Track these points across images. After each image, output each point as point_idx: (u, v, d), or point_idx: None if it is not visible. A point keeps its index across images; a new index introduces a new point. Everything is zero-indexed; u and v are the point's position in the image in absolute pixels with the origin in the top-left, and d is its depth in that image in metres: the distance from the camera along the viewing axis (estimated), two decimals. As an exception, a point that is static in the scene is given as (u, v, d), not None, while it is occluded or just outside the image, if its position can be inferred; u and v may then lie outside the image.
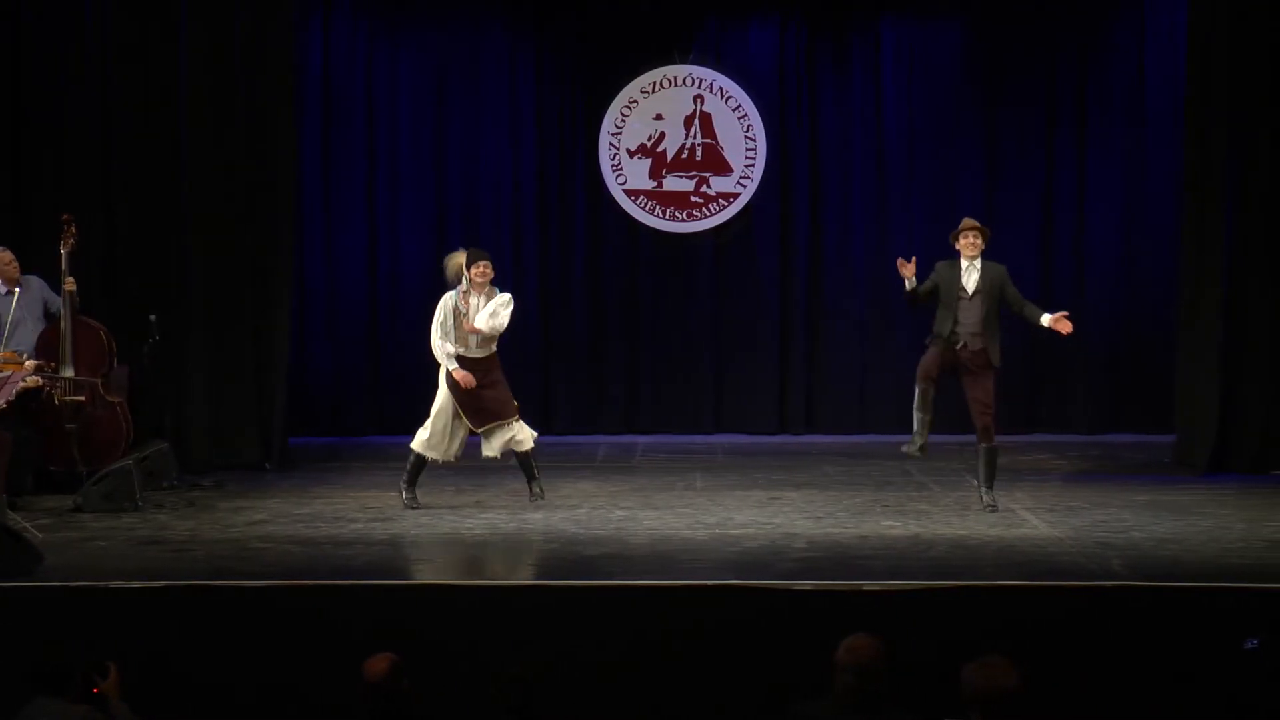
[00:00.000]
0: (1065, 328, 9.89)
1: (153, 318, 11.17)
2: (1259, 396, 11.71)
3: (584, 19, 14.10)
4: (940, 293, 9.85)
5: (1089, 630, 7.34)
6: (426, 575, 8.41)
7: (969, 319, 9.77)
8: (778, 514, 9.86)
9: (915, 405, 9.92)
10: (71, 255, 10.71)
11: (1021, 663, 5.12)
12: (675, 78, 14.15)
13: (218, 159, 11.94)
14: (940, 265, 9.95)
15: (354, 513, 9.90)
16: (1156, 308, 13.72)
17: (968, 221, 9.99)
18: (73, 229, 10.74)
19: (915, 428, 9.93)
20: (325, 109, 13.95)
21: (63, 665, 5.53)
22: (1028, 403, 14.00)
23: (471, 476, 11.05)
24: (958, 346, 9.76)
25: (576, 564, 8.36)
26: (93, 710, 5.46)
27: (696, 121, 14.15)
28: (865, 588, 7.55)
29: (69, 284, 10.68)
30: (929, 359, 9.86)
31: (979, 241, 9.84)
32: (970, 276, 9.81)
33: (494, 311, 9.95)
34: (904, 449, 10.01)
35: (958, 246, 9.88)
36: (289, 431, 12.38)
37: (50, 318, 10.89)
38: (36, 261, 11.03)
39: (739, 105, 14.11)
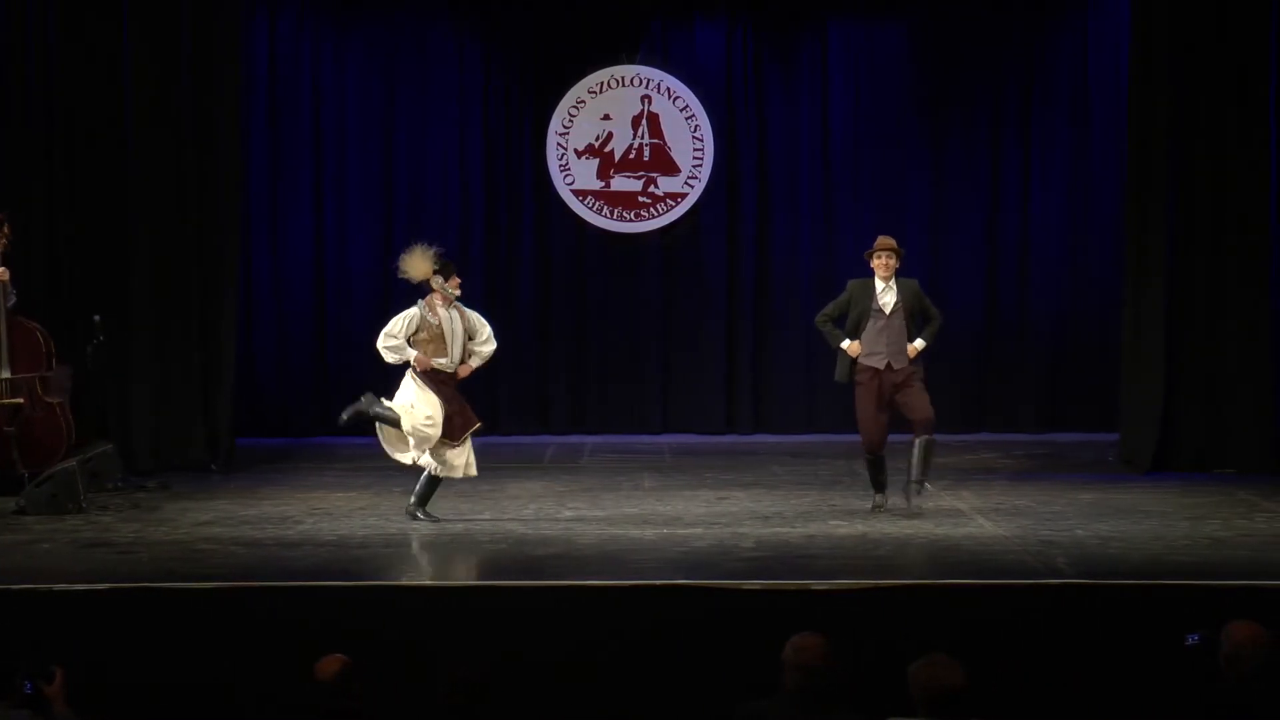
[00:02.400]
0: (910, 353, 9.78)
1: (97, 318, 11.07)
2: (1201, 397, 11.81)
3: (531, 19, 14.08)
4: (852, 311, 9.79)
5: (1035, 628, 7.39)
6: (374, 576, 8.38)
7: (891, 336, 9.72)
8: (726, 514, 9.87)
9: (870, 473, 9.83)
10: (4, 253, 10.61)
11: (968, 661, 5.15)
12: (623, 78, 14.16)
13: (162, 157, 11.87)
14: (853, 284, 9.88)
15: (301, 514, 9.86)
16: (1101, 307, 13.82)
17: (883, 241, 9.84)
18: (5, 228, 10.63)
19: (876, 490, 9.83)
20: (271, 107, 13.89)
21: (3, 668, 5.47)
22: (973, 401, 14.09)
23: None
24: (882, 369, 9.71)
25: (524, 564, 8.35)
26: (34, 715, 5.41)
27: (644, 122, 14.17)
28: (813, 587, 7.57)
29: (1, 273, 10.56)
30: (868, 418, 9.69)
31: (893, 263, 9.73)
32: (886, 296, 9.75)
33: (487, 339, 9.68)
34: (872, 508, 9.77)
35: (872, 265, 9.80)
36: (235, 432, 12.30)
37: None
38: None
39: (686, 105, 14.13)
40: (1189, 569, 8.11)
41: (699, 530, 9.27)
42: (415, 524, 9.42)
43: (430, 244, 9.65)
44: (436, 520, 9.47)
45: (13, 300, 10.72)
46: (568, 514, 9.90)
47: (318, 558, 8.52)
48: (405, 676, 6.78)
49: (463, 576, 8.42)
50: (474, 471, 9.67)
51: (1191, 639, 6.17)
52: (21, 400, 10.62)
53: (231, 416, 12.13)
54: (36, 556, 8.61)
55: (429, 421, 9.45)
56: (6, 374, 10.59)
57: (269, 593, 7.65)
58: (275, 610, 7.47)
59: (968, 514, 9.80)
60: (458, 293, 9.61)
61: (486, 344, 9.73)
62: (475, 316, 9.71)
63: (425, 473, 9.54)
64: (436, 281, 9.53)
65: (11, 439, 10.55)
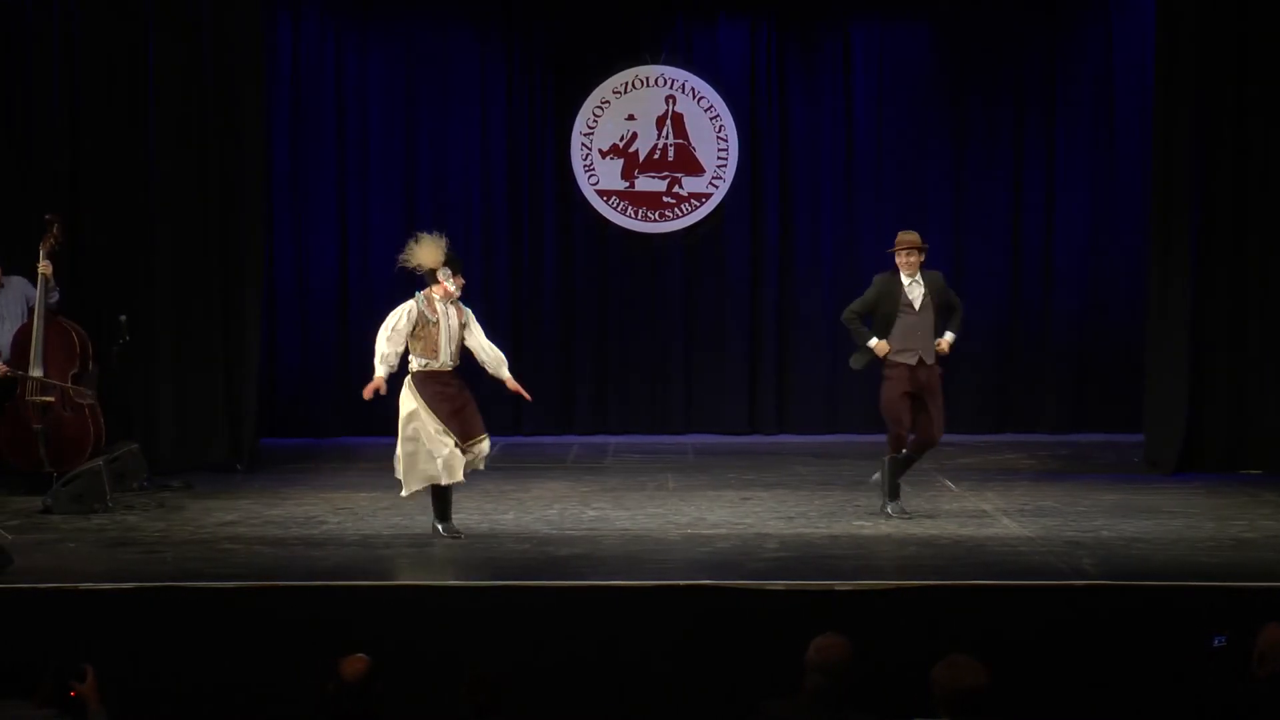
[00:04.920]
0: (941, 349, 9.77)
1: (123, 318, 11.10)
2: (1227, 397, 11.76)
3: (554, 19, 14.08)
4: (880, 309, 9.70)
5: (1059, 629, 7.37)
6: (398, 576, 8.39)
7: (922, 332, 9.66)
8: (749, 514, 9.87)
9: (888, 473, 9.66)
10: (51, 255, 10.69)
11: (992, 662, 5.13)
12: (647, 78, 14.15)
13: (186, 159, 11.89)
14: (879, 279, 9.80)
15: (325, 514, 9.88)
16: (1125, 307, 13.77)
17: (909, 238, 9.74)
18: (55, 229, 10.71)
19: (890, 494, 9.65)
20: (295, 109, 13.91)
21: (30, 667, 5.49)
22: (996, 402, 14.06)
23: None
24: (914, 365, 9.64)
25: (548, 564, 8.36)
26: (62, 714, 5.42)
27: (669, 122, 14.16)
28: (837, 588, 7.57)
29: (44, 267, 10.61)
30: (903, 412, 9.57)
31: (916, 259, 9.67)
32: (915, 290, 9.68)
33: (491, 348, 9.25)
34: (889, 511, 9.58)
35: (898, 262, 9.72)
36: (260, 432, 12.33)
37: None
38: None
39: (711, 105, 14.12)
40: (1214, 570, 8.08)
41: (722, 530, 9.27)
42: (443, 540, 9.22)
43: (443, 236, 9.26)
44: (459, 536, 9.04)
45: (54, 298, 10.79)
46: (591, 514, 9.90)
47: (342, 557, 8.54)
48: (428, 676, 6.79)
49: (486, 577, 8.42)
50: (461, 476, 9.03)
51: (1217, 640, 6.16)
52: (52, 399, 10.66)
53: (256, 416, 12.16)
54: (62, 556, 8.64)
55: (442, 441, 8.89)
56: (39, 372, 10.63)
57: (293, 592, 7.67)
58: (300, 610, 7.49)
59: (992, 515, 9.78)
60: (459, 291, 9.09)
61: (493, 350, 9.26)
62: (472, 317, 9.20)
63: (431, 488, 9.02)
64: (444, 273, 9.05)
65: (40, 437, 10.59)
